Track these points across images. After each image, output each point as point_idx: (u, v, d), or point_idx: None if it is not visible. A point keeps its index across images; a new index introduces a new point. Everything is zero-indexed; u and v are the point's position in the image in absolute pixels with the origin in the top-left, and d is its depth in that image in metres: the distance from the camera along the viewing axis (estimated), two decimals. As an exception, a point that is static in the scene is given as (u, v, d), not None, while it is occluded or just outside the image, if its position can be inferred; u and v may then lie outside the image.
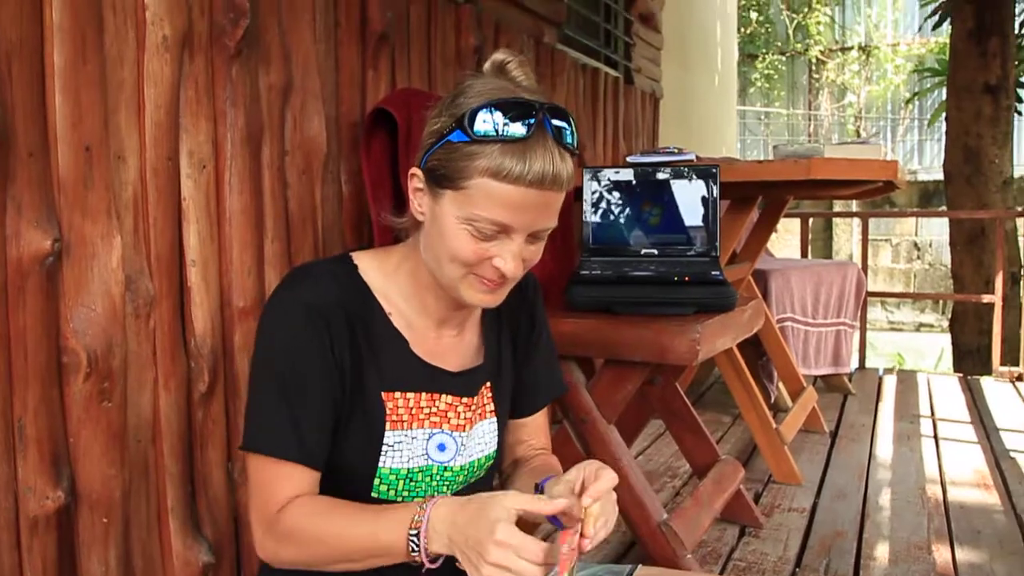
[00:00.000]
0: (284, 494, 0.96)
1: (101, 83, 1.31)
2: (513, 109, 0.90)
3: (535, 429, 1.22)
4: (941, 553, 2.09)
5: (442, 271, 0.98)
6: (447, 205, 0.94)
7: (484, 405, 1.10)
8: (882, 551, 2.10)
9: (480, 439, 1.09)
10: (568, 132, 0.94)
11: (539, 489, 0.99)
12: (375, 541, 0.91)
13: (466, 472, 1.07)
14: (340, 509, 0.95)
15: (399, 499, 1.02)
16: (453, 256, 0.95)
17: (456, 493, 1.07)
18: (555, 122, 0.92)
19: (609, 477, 0.92)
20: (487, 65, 1.00)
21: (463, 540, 0.85)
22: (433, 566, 0.90)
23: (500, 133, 0.89)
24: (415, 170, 0.99)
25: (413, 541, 0.88)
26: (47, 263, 1.23)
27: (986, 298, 4.69)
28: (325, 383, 0.97)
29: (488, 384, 1.11)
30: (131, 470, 1.39)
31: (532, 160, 0.89)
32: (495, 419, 1.12)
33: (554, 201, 0.94)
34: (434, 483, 1.05)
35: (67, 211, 1.26)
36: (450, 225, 0.94)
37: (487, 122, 0.90)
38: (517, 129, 0.90)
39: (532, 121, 0.90)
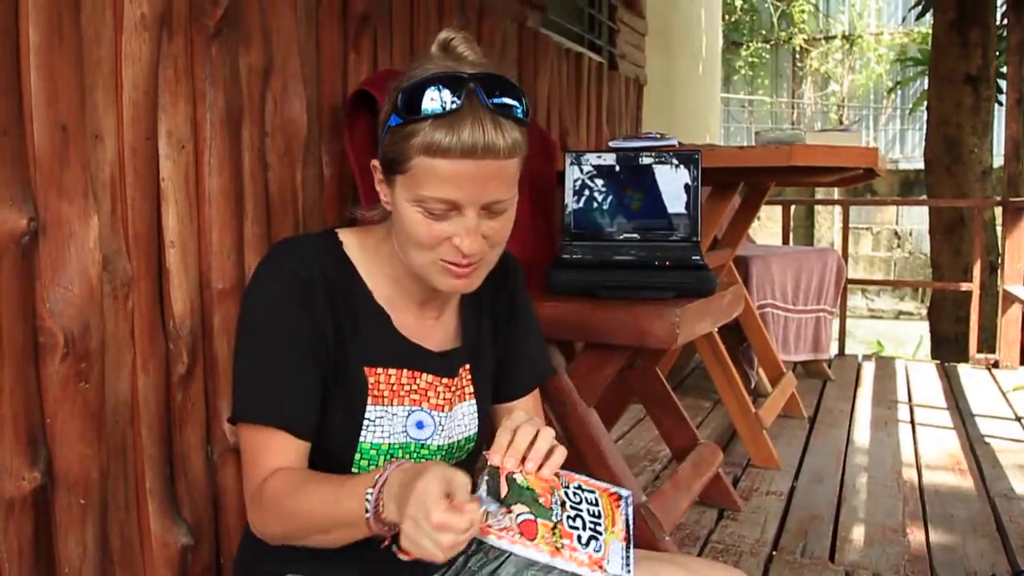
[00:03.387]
0: (269, 465, 0.95)
1: (77, 61, 1.29)
2: (441, 83, 0.90)
3: (525, 413, 1.22)
4: (915, 536, 2.12)
5: (410, 259, 0.98)
6: (399, 191, 0.94)
7: (464, 387, 1.11)
8: (858, 534, 2.13)
9: (460, 421, 1.10)
10: (509, 100, 0.92)
11: None
12: (337, 507, 0.88)
13: (444, 452, 1.08)
14: (313, 479, 0.94)
15: None
16: (412, 241, 0.94)
17: None
18: (491, 93, 0.91)
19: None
20: (433, 46, 1.00)
21: (406, 501, 0.81)
22: (384, 532, 0.85)
23: (429, 109, 0.89)
24: (374, 162, 0.99)
25: (368, 499, 0.84)
26: (23, 242, 1.22)
27: (964, 286, 4.74)
28: (312, 349, 0.97)
29: (467, 366, 1.11)
30: (109, 451, 1.39)
31: (460, 131, 0.88)
32: (475, 401, 1.12)
33: (496, 171, 0.92)
34: (413, 460, 1.05)
35: (43, 190, 1.24)
36: (405, 210, 0.94)
37: (416, 100, 0.90)
38: (445, 102, 0.89)
39: (461, 92, 0.89)
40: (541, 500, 0.83)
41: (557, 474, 0.87)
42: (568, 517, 0.84)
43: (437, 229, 0.93)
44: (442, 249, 0.94)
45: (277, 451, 0.96)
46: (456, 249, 0.94)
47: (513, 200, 0.97)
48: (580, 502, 0.86)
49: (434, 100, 0.89)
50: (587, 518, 0.86)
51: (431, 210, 0.92)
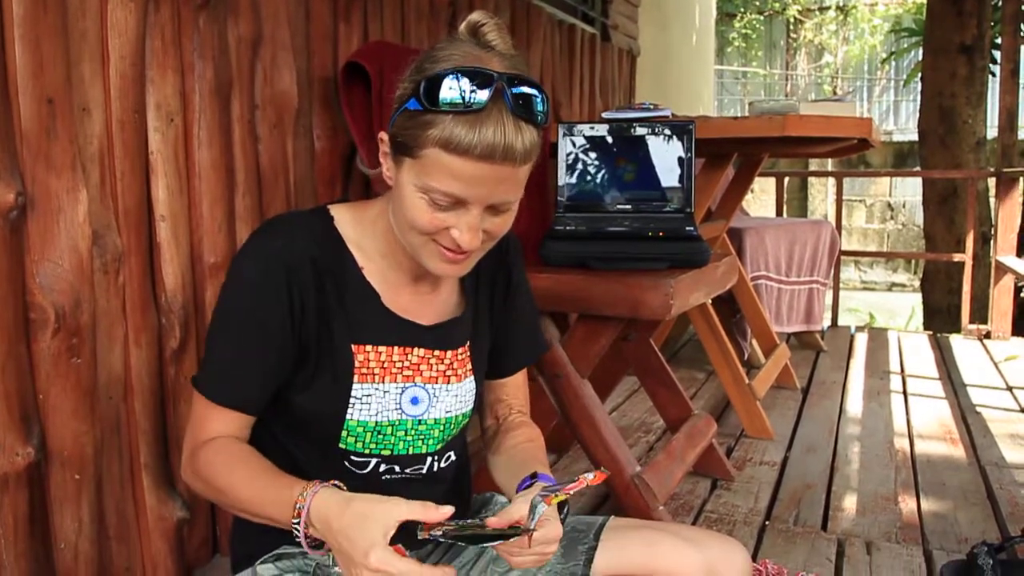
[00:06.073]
0: (214, 430, 1.00)
1: (63, 33, 1.27)
2: (470, 79, 0.87)
3: (514, 388, 1.23)
4: (907, 504, 2.14)
5: (405, 238, 0.98)
6: (406, 173, 0.93)
7: (464, 364, 1.10)
8: (850, 502, 2.15)
9: (460, 397, 1.09)
10: (536, 102, 0.90)
11: (518, 491, 1.01)
12: (263, 510, 0.94)
13: (442, 427, 1.07)
14: (243, 466, 0.97)
15: (366, 451, 1.03)
16: (411, 224, 0.94)
17: (433, 451, 1.08)
18: (519, 92, 0.89)
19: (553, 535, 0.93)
20: (462, 27, 0.97)
21: (338, 549, 0.87)
22: (319, 553, 0.92)
23: (453, 103, 0.87)
24: (382, 135, 0.98)
25: (296, 528, 0.89)
26: (11, 217, 1.20)
27: (956, 257, 4.75)
28: (277, 333, 0.98)
29: (466, 344, 1.11)
30: (103, 427, 1.38)
31: (483, 132, 0.86)
32: (473, 377, 1.12)
33: (510, 175, 0.91)
34: (408, 437, 1.05)
35: (30, 164, 1.23)
36: (408, 193, 0.93)
37: (441, 91, 0.87)
38: (470, 99, 0.86)
39: (488, 92, 0.87)
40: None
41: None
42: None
43: (438, 218, 0.92)
44: (439, 236, 0.94)
45: (222, 421, 1.00)
46: (454, 240, 0.93)
47: (519, 198, 0.96)
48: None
49: (459, 94, 0.87)
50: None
51: (436, 200, 0.91)
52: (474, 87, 0.87)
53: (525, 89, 0.90)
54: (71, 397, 1.31)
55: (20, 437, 1.23)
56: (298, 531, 0.89)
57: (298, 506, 0.89)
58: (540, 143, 0.94)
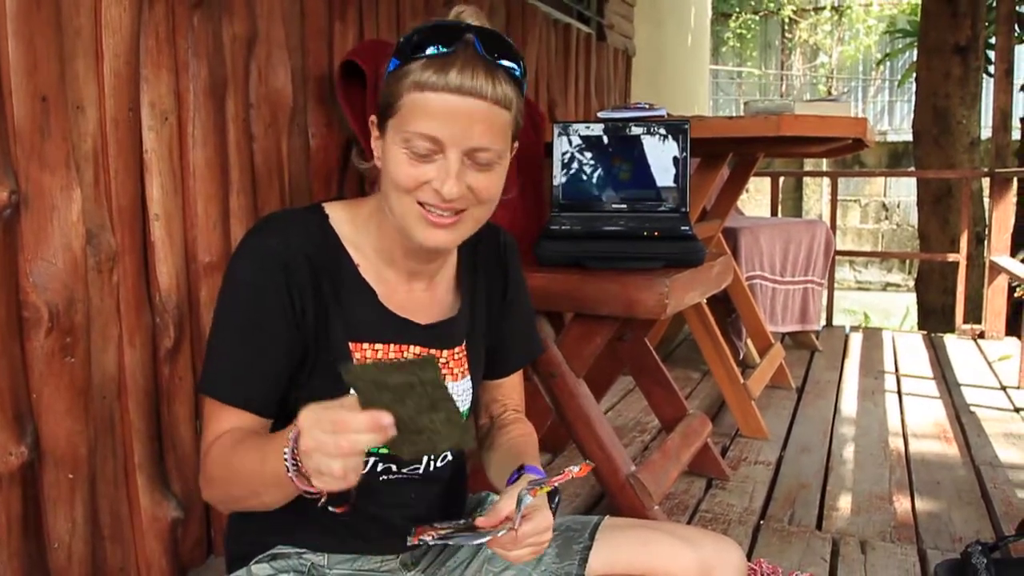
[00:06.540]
0: (221, 433, 0.96)
1: (56, 30, 1.27)
2: (441, 30, 0.93)
3: (510, 388, 1.23)
4: (902, 503, 2.14)
5: (392, 207, 0.97)
6: (389, 136, 0.95)
7: (460, 363, 1.10)
8: (845, 502, 2.15)
9: (457, 396, 1.09)
10: (503, 54, 0.94)
11: (510, 483, 0.99)
12: (264, 466, 0.86)
13: (437, 426, 1.07)
14: (245, 441, 0.93)
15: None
16: (395, 183, 0.95)
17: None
18: (486, 44, 0.94)
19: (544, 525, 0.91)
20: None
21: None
22: (311, 489, 0.82)
23: (425, 50, 0.92)
24: (372, 118, 1.00)
25: (286, 456, 0.82)
26: (4, 215, 1.20)
27: (951, 257, 4.76)
28: (279, 331, 0.97)
29: (463, 343, 1.11)
30: (97, 426, 1.38)
31: (451, 69, 0.91)
32: (469, 377, 1.12)
33: (482, 115, 0.93)
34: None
35: (24, 162, 1.22)
36: (392, 154, 0.95)
37: (415, 44, 0.93)
38: (441, 47, 0.92)
39: (457, 40, 0.93)
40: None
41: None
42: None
43: (419, 171, 0.93)
44: (421, 192, 0.94)
45: (231, 423, 0.96)
46: (435, 192, 0.93)
47: (502, 156, 0.97)
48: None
49: (431, 44, 0.92)
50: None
51: (415, 149, 0.93)
52: (444, 36, 0.93)
53: (496, 43, 0.95)
54: (65, 396, 1.30)
55: (13, 436, 1.23)
56: (288, 461, 0.81)
57: (290, 435, 0.82)
58: (516, 94, 0.96)
